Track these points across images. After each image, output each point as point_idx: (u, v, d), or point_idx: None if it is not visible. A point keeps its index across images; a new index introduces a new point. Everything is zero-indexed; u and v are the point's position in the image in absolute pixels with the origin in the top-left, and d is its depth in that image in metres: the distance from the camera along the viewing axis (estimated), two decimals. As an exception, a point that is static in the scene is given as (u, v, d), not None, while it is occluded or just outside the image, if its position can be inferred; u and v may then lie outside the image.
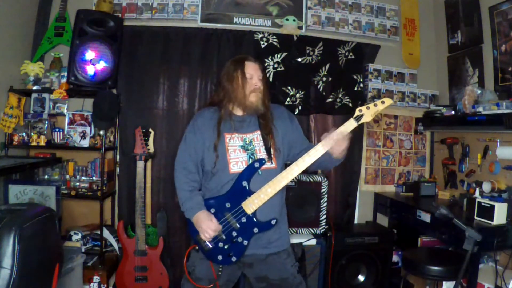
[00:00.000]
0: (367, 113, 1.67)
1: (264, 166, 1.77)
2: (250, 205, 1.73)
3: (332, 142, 1.67)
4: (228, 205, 1.76)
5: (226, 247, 1.78)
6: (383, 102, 1.66)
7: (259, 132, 1.83)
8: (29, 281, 1.10)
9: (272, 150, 1.82)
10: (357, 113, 1.68)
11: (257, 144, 1.82)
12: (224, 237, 1.77)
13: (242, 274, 2.01)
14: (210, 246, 1.79)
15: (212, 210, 1.78)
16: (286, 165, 1.92)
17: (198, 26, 3.16)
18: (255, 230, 1.76)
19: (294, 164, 1.72)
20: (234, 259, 1.79)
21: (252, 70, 1.83)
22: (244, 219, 1.75)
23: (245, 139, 1.82)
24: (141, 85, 3.09)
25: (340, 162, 1.81)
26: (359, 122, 1.68)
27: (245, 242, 1.77)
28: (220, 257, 1.79)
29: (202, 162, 1.85)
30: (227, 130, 1.81)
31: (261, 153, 1.81)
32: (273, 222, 1.77)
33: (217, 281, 1.84)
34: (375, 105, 1.67)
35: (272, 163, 1.81)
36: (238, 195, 1.75)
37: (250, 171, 1.75)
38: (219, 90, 1.90)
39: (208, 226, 1.74)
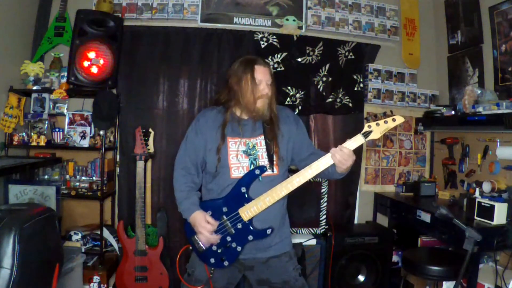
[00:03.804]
0: (376, 129, 1.61)
1: (266, 173, 1.74)
2: (247, 212, 1.71)
3: (337, 158, 1.61)
4: (225, 209, 1.74)
5: (219, 251, 1.77)
6: (394, 120, 1.60)
7: (263, 137, 1.80)
8: (29, 281, 1.10)
9: (275, 157, 1.78)
10: (366, 128, 1.62)
11: (260, 149, 1.79)
12: (218, 240, 1.76)
13: (242, 277, 2.00)
14: (204, 248, 1.78)
15: (209, 213, 1.76)
16: (290, 170, 1.91)
17: (198, 26, 3.16)
18: (250, 237, 1.74)
19: (296, 175, 1.68)
20: (226, 263, 1.78)
21: (261, 75, 1.77)
22: (239, 225, 1.73)
23: (248, 143, 1.78)
24: (141, 85, 3.09)
25: (343, 176, 1.76)
26: (367, 139, 1.62)
27: (239, 248, 1.75)
28: (212, 260, 1.78)
29: (203, 163, 1.84)
30: (231, 134, 1.78)
31: (264, 159, 1.78)
32: (269, 231, 1.74)
33: (211, 282, 1.83)
34: (386, 122, 1.60)
35: (274, 170, 1.78)
36: (236, 200, 1.73)
37: (250, 177, 1.73)
38: (225, 90, 1.84)
39: (204, 228, 1.72)
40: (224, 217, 1.74)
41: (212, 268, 1.81)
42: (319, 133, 3.39)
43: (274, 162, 1.78)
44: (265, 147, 1.79)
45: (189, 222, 1.78)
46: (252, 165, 1.76)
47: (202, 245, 1.78)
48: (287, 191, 1.70)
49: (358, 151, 3.25)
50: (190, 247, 1.86)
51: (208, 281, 1.83)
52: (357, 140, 1.63)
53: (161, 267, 2.78)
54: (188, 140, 1.86)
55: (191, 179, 1.83)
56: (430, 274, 2.36)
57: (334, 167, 1.67)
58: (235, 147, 1.77)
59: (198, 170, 1.85)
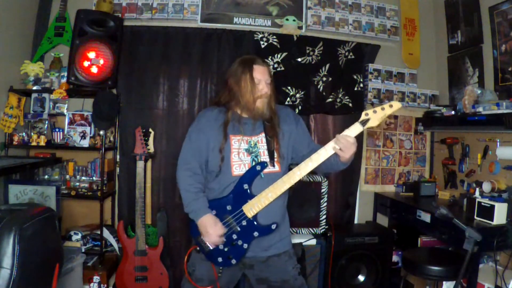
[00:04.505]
0: (373, 117, 1.59)
1: (268, 170, 1.75)
2: (251, 209, 1.72)
3: (342, 143, 1.60)
4: (229, 207, 1.75)
5: (226, 249, 1.78)
6: (391, 106, 1.58)
7: (263, 134, 1.81)
8: (29, 281, 1.10)
9: (275, 154, 1.79)
10: (363, 117, 1.60)
11: (261, 147, 1.80)
12: (224, 239, 1.76)
13: (242, 275, 2.00)
14: (211, 248, 1.79)
15: (213, 212, 1.77)
16: (291, 168, 1.92)
17: (198, 26, 3.16)
18: (255, 234, 1.75)
19: (296, 168, 1.68)
20: (233, 261, 1.78)
21: (260, 74, 1.78)
22: (244, 223, 1.74)
23: (250, 141, 1.79)
24: (141, 85, 3.09)
25: (346, 166, 1.76)
26: (365, 127, 1.60)
27: (245, 246, 1.76)
28: (220, 259, 1.79)
29: (205, 162, 1.84)
30: (233, 132, 1.79)
31: (265, 156, 1.79)
32: (273, 226, 1.75)
33: (218, 282, 1.84)
34: (383, 108, 1.58)
35: (275, 166, 1.78)
36: (239, 198, 1.74)
37: (251, 174, 1.74)
38: (225, 91, 1.85)
39: (215, 231, 1.72)
40: (228, 215, 1.75)
41: (221, 268, 1.82)
42: (319, 133, 3.39)
43: (275, 159, 1.79)
44: (266, 144, 1.79)
45: (197, 223, 1.78)
46: (253, 162, 1.77)
47: (208, 245, 1.78)
48: (289, 185, 1.70)
49: (358, 151, 3.29)
50: (197, 248, 1.85)
51: (211, 280, 1.83)
52: (355, 129, 1.62)
53: (161, 267, 2.78)
54: (191, 140, 1.86)
55: (198, 179, 1.83)
56: (430, 274, 2.36)
57: (337, 157, 1.66)
58: (237, 145, 1.78)
59: (202, 170, 1.85)
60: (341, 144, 1.60)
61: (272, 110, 1.81)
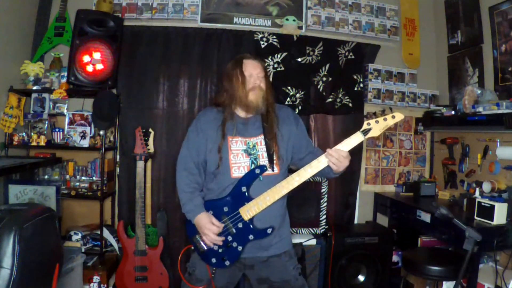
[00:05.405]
0: (375, 127, 1.61)
1: (267, 172, 1.74)
2: (248, 212, 1.71)
3: (332, 160, 1.62)
4: (226, 209, 1.75)
5: (220, 250, 1.77)
6: (393, 117, 1.60)
7: (263, 136, 1.80)
8: (29, 281, 1.10)
9: (275, 156, 1.78)
10: (365, 126, 1.62)
11: (260, 149, 1.79)
12: (223, 237, 1.76)
13: (242, 276, 2.00)
14: (205, 248, 1.79)
15: (210, 213, 1.77)
16: (290, 169, 1.91)
17: (198, 26, 3.16)
18: (251, 237, 1.74)
19: (296, 174, 1.68)
20: (227, 263, 1.78)
21: (250, 68, 1.79)
22: (240, 225, 1.73)
23: (248, 143, 1.79)
24: (141, 85, 3.09)
25: (339, 175, 1.77)
26: (367, 136, 1.62)
27: (240, 248, 1.76)
28: (214, 260, 1.79)
29: (204, 162, 1.84)
30: (231, 133, 1.78)
31: (264, 159, 1.78)
32: (269, 231, 1.74)
33: (213, 281, 1.83)
34: (385, 119, 1.60)
35: (274, 169, 1.78)
36: (236, 200, 1.73)
37: (250, 177, 1.73)
38: (221, 91, 1.86)
39: (209, 230, 1.72)
40: (225, 217, 1.75)
41: (214, 268, 1.82)
42: (319, 133, 3.39)
43: (274, 162, 1.78)
44: (265, 146, 1.79)
45: (194, 223, 1.78)
46: (252, 165, 1.77)
47: (203, 245, 1.78)
48: (287, 190, 1.70)
49: (358, 151, 3.33)
50: (192, 247, 1.86)
51: (210, 281, 1.83)
52: (356, 138, 1.63)
53: (161, 267, 2.78)
54: (189, 140, 1.86)
55: (194, 179, 1.83)
56: (430, 274, 2.37)
57: (330, 168, 1.68)
58: (235, 146, 1.78)
59: (200, 170, 1.85)
60: (333, 159, 1.62)
61: (268, 104, 1.80)
